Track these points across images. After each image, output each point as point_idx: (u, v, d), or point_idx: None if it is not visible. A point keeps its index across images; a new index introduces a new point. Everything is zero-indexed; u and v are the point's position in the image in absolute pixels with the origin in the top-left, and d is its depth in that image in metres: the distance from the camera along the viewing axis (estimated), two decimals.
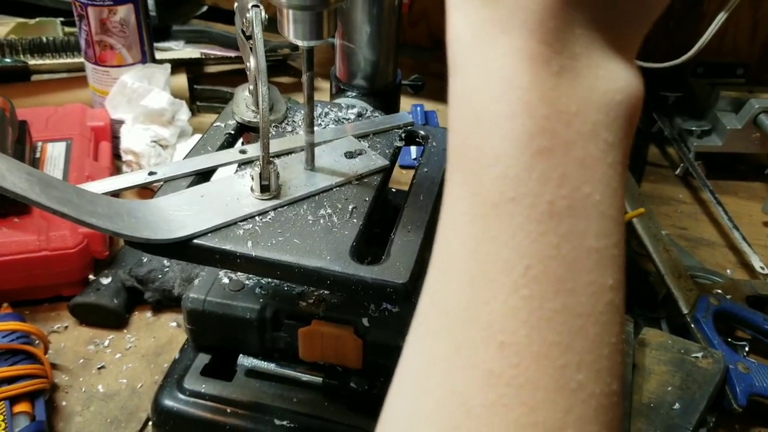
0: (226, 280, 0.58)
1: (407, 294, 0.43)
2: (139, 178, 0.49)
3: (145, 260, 0.70)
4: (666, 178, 0.90)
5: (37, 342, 0.61)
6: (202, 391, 0.57)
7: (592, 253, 0.23)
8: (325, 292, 0.56)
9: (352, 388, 0.57)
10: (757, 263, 0.76)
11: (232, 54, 1.04)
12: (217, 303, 0.56)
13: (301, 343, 0.56)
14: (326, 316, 0.55)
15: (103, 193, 0.45)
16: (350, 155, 0.52)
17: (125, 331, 0.67)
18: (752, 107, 0.85)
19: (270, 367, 0.58)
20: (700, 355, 0.61)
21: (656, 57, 0.84)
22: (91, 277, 0.69)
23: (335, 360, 0.57)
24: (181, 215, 0.45)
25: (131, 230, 0.42)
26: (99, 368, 0.63)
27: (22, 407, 0.55)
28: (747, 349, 0.67)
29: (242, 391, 0.57)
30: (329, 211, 0.47)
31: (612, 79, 0.23)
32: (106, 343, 0.66)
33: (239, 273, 0.58)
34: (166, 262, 0.69)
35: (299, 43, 0.42)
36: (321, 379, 0.57)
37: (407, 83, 0.88)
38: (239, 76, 0.96)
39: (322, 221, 0.46)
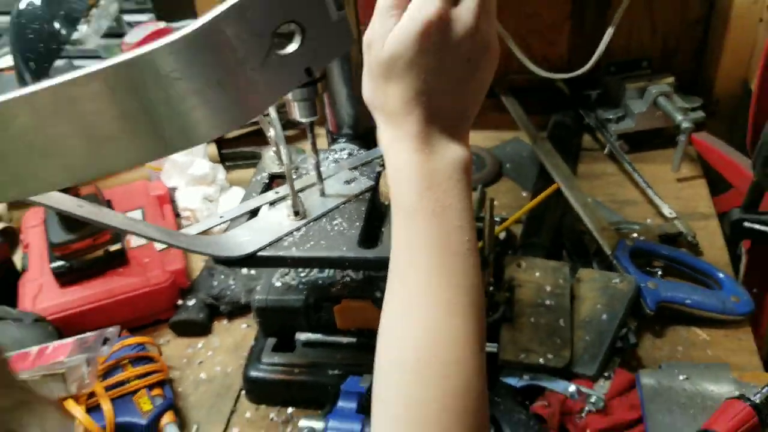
0: (278, 284, 0.82)
1: None
2: (214, 221, 0.74)
3: (215, 283, 0.95)
4: (597, 159, 1.14)
5: (152, 349, 0.86)
6: (275, 361, 0.82)
7: (456, 228, 0.47)
8: (347, 279, 0.81)
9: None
10: (667, 211, 0.99)
11: None
12: (274, 299, 0.80)
13: (338, 317, 0.80)
14: (351, 295, 0.79)
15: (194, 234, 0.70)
16: (348, 182, 0.77)
17: (211, 335, 0.92)
18: (651, 93, 1.09)
19: (318, 337, 0.83)
20: (618, 280, 0.84)
21: (576, 64, 1.07)
22: (180, 301, 0.94)
23: (363, 325, 0.81)
24: (246, 240, 0.70)
25: (218, 252, 0.67)
26: (199, 363, 0.88)
27: (156, 391, 0.80)
28: (660, 273, 0.90)
29: (302, 356, 0.82)
30: (340, 221, 0.72)
31: (455, 152, 0.48)
32: (200, 345, 0.91)
33: (286, 277, 0.82)
34: (231, 281, 0.95)
35: (303, 120, 0.67)
36: (355, 339, 0.81)
37: None
38: (254, 137, 1.22)
39: (336, 228, 0.71)
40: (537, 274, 0.85)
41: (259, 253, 0.69)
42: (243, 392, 0.84)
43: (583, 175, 1.10)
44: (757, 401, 0.48)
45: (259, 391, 0.82)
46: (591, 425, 0.71)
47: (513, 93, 1.25)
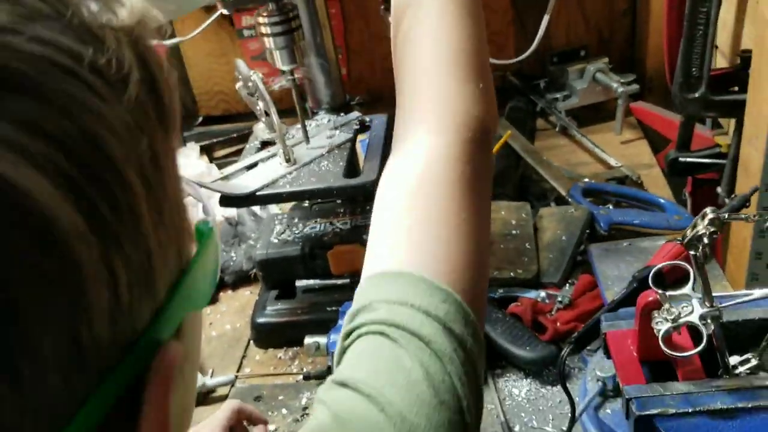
0: (276, 240, 0.92)
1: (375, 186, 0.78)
2: (217, 179, 0.85)
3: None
4: (552, 136, 1.27)
5: None
6: (279, 308, 0.91)
7: None
8: (337, 228, 0.91)
9: None
10: (613, 162, 1.12)
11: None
12: (274, 252, 0.90)
13: (331, 262, 0.90)
14: (341, 241, 0.89)
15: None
16: (329, 137, 0.88)
17: (218, 303, 1.01)
18: (589, 71, 1.23)
19: (316, 282, 0.92)
20: (573, 210, 0.95)
21: (524, 62, 1.22)
22: None
23: (354, 268, 0.90)
24: (247, 183, 0.81)
25: (228, 190, 0.78)
26: (209, 324, 0.97)
27: None
28: (611, 206, 1.01)
29: (303, 300, 0.91)
30: (326, 163, 0.83)
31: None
32: (209, 311, 0.99)
33: (283, 235, 0.93)
34: (232, 254, 1.04)
35: (286, 68, 0.79)
36: (348, 280, 0.91)
37: (356, 102, 1.23)
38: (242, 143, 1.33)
39: (323, 168, 0.82)
40: (503, 212, 0.96)
41: (259, 192, 0.80)
42: (251, 342, 0.92)
43: (539, 149, 1.23)
44: (686, 241, 0.58)
45: (266, 336, 0.91)
46: (560, 318, 0.81)
47: None
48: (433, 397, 0.33)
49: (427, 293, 0.36)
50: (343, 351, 0.37)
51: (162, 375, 0.24)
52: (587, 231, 0.93)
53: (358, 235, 0.89)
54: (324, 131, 0.90)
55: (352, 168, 0.84)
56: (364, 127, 0.93)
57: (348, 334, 0.37)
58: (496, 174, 1.06)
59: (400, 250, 0.39)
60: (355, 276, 0.90)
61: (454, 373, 0.34)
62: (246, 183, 0.81)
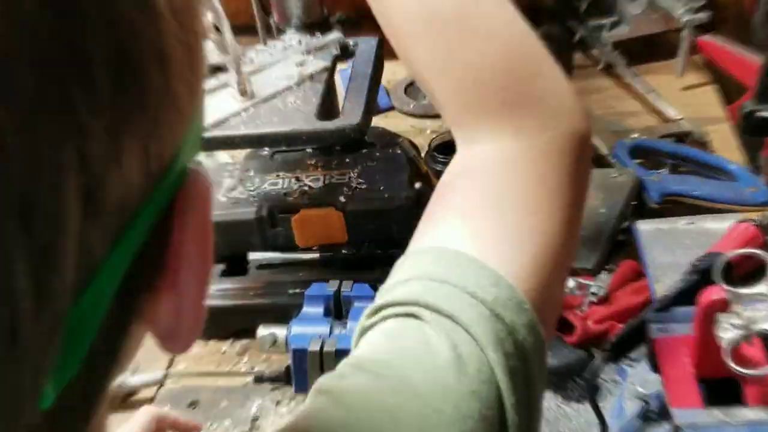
0: (223, 199, 0.89)
1: (361, 131, 0.74)
2: None
3: None
4: (591, 75, 1.23)
5: None
6: (226, 287, 0.88)
7: None
8: (305, 186, 0.88)
9: (343, 256, 0.87)
10: (672, 113, 1.08)
11: None
12: (221, 215, 0.87)
13: (297, 231, 0.87)
14: (311, 203, 0.86)
15: None
16: (299, 65, 0.84)
17: None
18: None
19: (276, 256, 0.89)
20: (616, 174, 0.92)
21: None
22: None
23: (325, 240, 0.87)
24: None
25: None
26: None
27: None
28: (666, 170, 0.98)
29: (257, 278, 0.88)
30: (293, 99, 0.79)
31: None
32: None
33: (234, 191, 0.89)
34: None
35: None
36: (318, 255, 0.88)
37: (336, 20, 1.17)
38: None
39: (291, 106, 0.78)
40: None
41: (207, 135, 0.75)
42: None
43: (580, 92, 1.19)
44: (764, 222, 0.55)
45: (211, 321, 0.87)
46: (593, 315, 0.78)
47: None
48: (464, 385, 0.35)
49: (475, 274, 0.38)
50: (364, 331, 0.40)
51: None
52: (633, 203, 0.90)
53: (333, 197, 0.86)
54: (292, 56, 0.86)
55: (328, 107, 0.80)
56: (345, 53, 0.89)
57: (375, 312, 0.39)
58: None
59: (461, 231, 0.41)
60: (328, 250, 0.88)
61: (496, 363, 0.36)
62: None
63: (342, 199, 0.85)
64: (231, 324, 0.87)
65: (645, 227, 0.76)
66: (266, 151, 0.92)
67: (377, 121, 1.25)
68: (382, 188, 0.86)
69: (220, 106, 0.78)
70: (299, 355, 0.72)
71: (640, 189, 0.92)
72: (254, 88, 0.80)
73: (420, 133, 1.15)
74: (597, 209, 0.89)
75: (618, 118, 1.12)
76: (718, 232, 0.72)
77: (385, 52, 0.86)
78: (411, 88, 1.25)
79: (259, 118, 0.77)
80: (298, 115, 0.76)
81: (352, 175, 0.89)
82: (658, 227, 0.76)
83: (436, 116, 1.03)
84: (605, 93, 1.19)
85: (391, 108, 1.24)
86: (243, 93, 0.79)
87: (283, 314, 0.83)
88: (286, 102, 0.79)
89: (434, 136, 1.09)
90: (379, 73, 0.87)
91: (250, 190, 0.89)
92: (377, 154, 0.92)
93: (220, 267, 0.90)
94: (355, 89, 0.80)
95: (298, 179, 0.89)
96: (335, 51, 0.87)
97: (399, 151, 0.92)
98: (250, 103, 0.78)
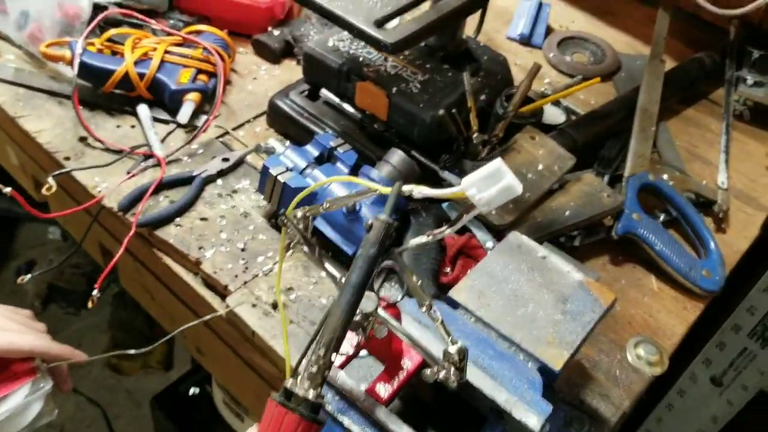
0: (330, 43, 1.09)
1: (389, 51, 0.90)
2: None
3: (301, 29, 1.24)
4: (711, 113, 1.22)
5: (228, 51, 1.19)
6: (297, 101, 1.11)
7: None
8: (383, 68, 1.05)
9: (375, 129, 1.06)
10: (721, 179, 1.08)
11: None
12: (320, 52, 1.08)
13: (358, 93, 1.06)
14: (375, 80, 1.04)
15: None
16: None
17: (276, 66, 1.24)
18: None
19: (336, 101, 1.09)
20: (606, 194, 1.00)
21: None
22: (270, 28, 1.25)
23: (374, 109, 1.06)
24: None
25: None
26: (253, 79, 1.21)
27: (202, 77, 1.14)
28: (661, 219, 1.02)
29: (316, 107, 1.11)
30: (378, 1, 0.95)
31: None
32: (263, 68, 1.23)
33: (340, 42, 1.09)
34: (312, 32, 1.23)
35: None
36: (360, 116, 1.07)
37: None
38: None
39: (371, 4, 0.95)
40: (540, 151, 1.03)
41: None
42: (265, 115, 1.15)
43: (685, 117, 1.20)
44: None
45: (273, 116, 1.13)
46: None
47: (677, 14, 1.32)
48: None
49: None
50: None
51: None
52: (597, 221, 0.98)
53: (391, 84, 1.03)
54: None
55: (393, 14, 0.95)
56: None
57: None
58: (589, 114, 1.10)
59: None
60: (368, 117, 1.06)
61: None
62: None
63: (394, 90, 1.02)
64: (285, 127, 1.12)
65: (513, 238, 0.85)
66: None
67: (519, 50, 1.36)
68: (424, 99, 1.01)
69: None
70: (265, 169, 0.94)
71: (615, 216, 0.98)
72: None
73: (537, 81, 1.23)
74: (563, 210, 0.98)
75: (687, 156, 1.14)
76: (556, 276, 0.81)
77: None
78: (565, 42, 1.30)
79: (343, 0, 0.94)
80: (367, 13, 0.93)
81: (419, 76, 1.04)
82: (521, 243, 0.84)
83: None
84: (703, 133, 1.20)
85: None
86: None
87: (302, 137, 1.05)
88: (373, 0, 0.95)
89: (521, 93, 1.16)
90: (461, 12, 0.98)
91: (351, 47, 1.08)
92: (449, 74, 1.06)
93: (305, 87, 1.12)
94: (421, 17, 0.94)
95: (386, 58, 1.07)
96: None
97: (466, 81, 1.04)
98: None
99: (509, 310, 0.76)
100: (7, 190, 0.94)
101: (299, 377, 0.50)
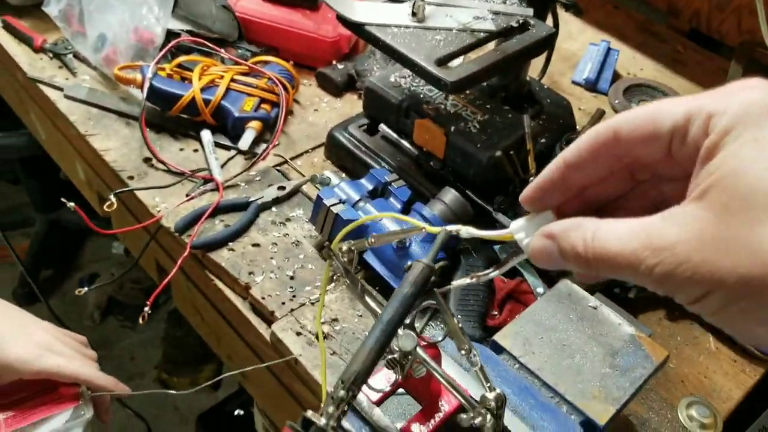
0: (392, 79, 1.09)
1: (449, 91, 0.89)
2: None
3: (365, 64, 1.25)
4: None
5: (293, 82, 1.20)
6: (355, 134, 1.11)
7: None
8: (443, 106, 1.05)
9: (431, 167, 1.05)
10: None
11: None
12: (381, 87, 1.09)
13: (416, 130, 1.06)
14: (434, 118, 1.03)
15: None
16: (477, 18, 0.98)
17: (337, 99, 1.25)
18: None
19: (394, 137, 1.09)
20: None
21: None
22: (334, 62, 1.26)
23: (431, 147, 1.06)
24: (363, 12, 0.97)
25: (341, 9, 0.95)
26: (314, 110, 1.21)
27: (265, 106, 1.15)
28: None
29: (374, 142, 1.10)
30: (442, 38, 0.95)
31: None
32: (325, 100, 1.24)
33: (402, 79, 1.09)
34: (375, 68, 1.24)
35: None
36: (417, 153, 1.06)
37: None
38: None
39: (434, 41, 0.95)
40: None
41: (366, 27, 0.96)
42: (323, 146, 1.15)
43: None
44: None
45: (331, 148, 1.14)
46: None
47: (750, 67, 1.28)
48: None
49: None
50: None
51: None
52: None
53: (450, 123, 1.02)
54: (476, 9, 0.99)
55: (450, 58, 0.94)
56: (519, 30, 1.00)
57: None
58: None
59: None
60: (424, 155, 1.06)
61: None
62: (363, 12, 0.96)
63: (452, 128, 1.01)
64: (341, 160, 1.12)
65: (563, 286, 0.82)
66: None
67: (584, 95, 1.33)
68: (482, 139, 1.00)
69: (393, 15, 0.97)
70: (319, 200, 0.94)
71: None
72: (426, 14, 0.97)
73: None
74: None
75: None
76: (606, 328, 0.77)
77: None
78: (631, 89, 1.28)
79: (408, 37, 0.95)
80: (430, 51, 0.93)
81: (478, 116, 1.03)
82: (571, 291, 0.81)
83: None
84: None
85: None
86: (413, 14, 0.96)
87: (358, 171, 1.05)
88: (436, 38, 0.95)
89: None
90: (525, 54, 0.97)
91: (412, 84, 1.08)
92: (509, 115, 1.04)
93: (365, 121, 1.13)
94: (483, 58, 0.93)
95: (446, 97, 1.06)
96: (514, 23, 0.99)
97: (526, 123, 1.02)
98: (413, 24, 0.96)
99: (555, 360, 0.74)
100: (71, 204, 0.96)
101: (321, 408, 0.49)
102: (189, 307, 1.12)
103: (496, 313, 0.93)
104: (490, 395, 0.55)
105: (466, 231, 0.58)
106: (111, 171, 1.09)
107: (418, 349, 0.58)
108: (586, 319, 0.78)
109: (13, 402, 0.85)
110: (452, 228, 0.58)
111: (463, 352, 0.56)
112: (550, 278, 0.94)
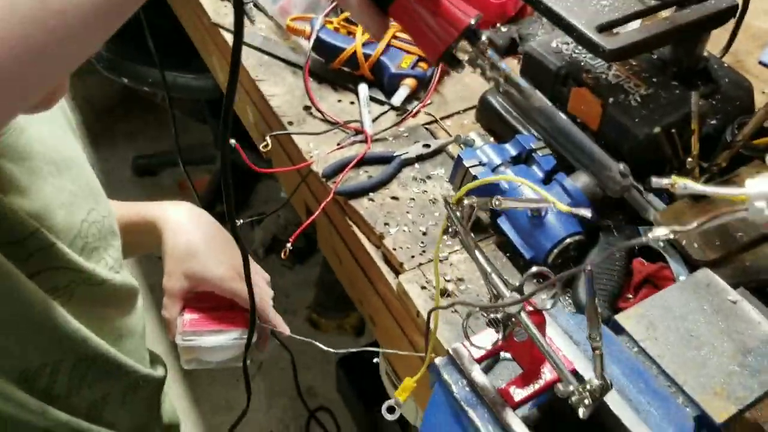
0: (554, 45, 1.05)
1: (606, 58, 0.84)
2: None
3: (530, 27, 1.21)
4: None
5: None
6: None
7: None
8: (604, 76, 0.99)
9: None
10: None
11: None
12: (540, 52, 1.05)
13: (572, 99, 1.02)
14: (592, 88, 0.99)
15: None
16: None
17: None
18: None
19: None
20: None
21: None
22: (498, 24, 1.24)
23: (585, 118, 1.01)
24: None
25: None
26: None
27: (422, 65, 1.15)
28: None
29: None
30: (607, 2, 0.90)
31: None
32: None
33: (564, 45, 1.04)
34: (539, 32, 1.20)
35: None
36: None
37: None
38: None
39: (598, 8, 0.90)
40: None
41: None
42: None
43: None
44: None
45: (482, 111, 1.12)
46: None
47: None
48: None
49: None
50: None
51: None
52: None
53: (608, 93, 0.97)
54: None
55: (613, 25, 0.89)
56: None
57: None
58: None
59: None
60: (582, 126, 1.01)
61: None
62: None
63: (611, 100, 0.96)
64: (493, 123, 1.10)
65: (703, 275, 0.76)
66: None
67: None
68: (642, 114, 0.94)
69: None
70: (459, 160, 0.94)
71: None
72: None
73: None
74: None
75: None
76: (742, 325, 0.70)
77: None
78: None
79: (570, 0, 0.90)
80: (592, 17, 0.88)
81: (641, 89, 0.98)
82: (712, 283, 0.75)
83: None
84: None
85: None
86: None
87: (506, 136, 1.03)
88: (601, 3, 0.90)
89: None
90: (698, 26, 0.90)
91: (573, 51, 1.04)
92: (677, 91, 0.97)
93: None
94: (650, 26, 0.87)
95: (609, 66, 1.01)
96: None
97: (694, 101, 0.95)
98: None
99: (678, 350, 0.69)
100: (232, 141, 1.02)
101: None
102: (330, 250, 1.17)
103: (630, 296, 0.88)
104: (597, 381, 0.53)
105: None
106: (274, 115, 1.14)
107: (522, 314, 0.56)
108: (722, 312, 0.72)
109: (201, 308, 0.96)
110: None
111: (588, 334, 0.54)
112: (695, 268, 0.88)
